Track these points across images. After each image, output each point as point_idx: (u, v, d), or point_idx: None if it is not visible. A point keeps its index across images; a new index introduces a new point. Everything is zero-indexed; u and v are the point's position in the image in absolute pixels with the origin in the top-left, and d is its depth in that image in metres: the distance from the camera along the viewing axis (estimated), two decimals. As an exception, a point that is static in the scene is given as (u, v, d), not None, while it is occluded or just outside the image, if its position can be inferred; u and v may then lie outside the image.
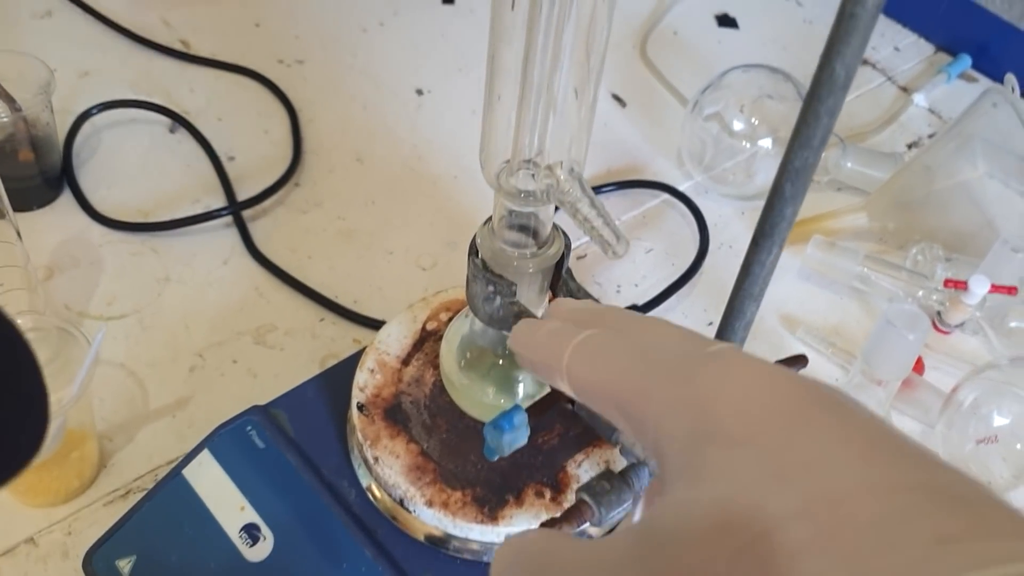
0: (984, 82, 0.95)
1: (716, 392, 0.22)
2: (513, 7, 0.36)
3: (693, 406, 0.22)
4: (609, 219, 0.37)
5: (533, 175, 0.40)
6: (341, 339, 0.68)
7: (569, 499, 0.48)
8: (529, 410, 0.41)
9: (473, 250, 0.45)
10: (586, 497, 0.36)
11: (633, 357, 0.25)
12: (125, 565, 0.51)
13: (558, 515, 0.36)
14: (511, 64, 0.38)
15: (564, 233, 0.45)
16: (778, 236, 0.30)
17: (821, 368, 0.71)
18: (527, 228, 0.43)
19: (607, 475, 0.37)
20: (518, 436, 0.39)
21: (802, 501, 0.18)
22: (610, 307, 0.31)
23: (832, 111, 0.27)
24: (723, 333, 0.34)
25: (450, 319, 0.54)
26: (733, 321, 0.33)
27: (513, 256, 0.43)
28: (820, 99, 0.27)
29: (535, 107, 0.38)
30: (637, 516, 0.27)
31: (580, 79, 0.37)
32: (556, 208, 0.45)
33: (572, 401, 0.42)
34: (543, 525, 0.35)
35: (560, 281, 0.46)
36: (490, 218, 0.44)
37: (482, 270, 0.44)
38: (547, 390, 0.44)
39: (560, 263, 0.45)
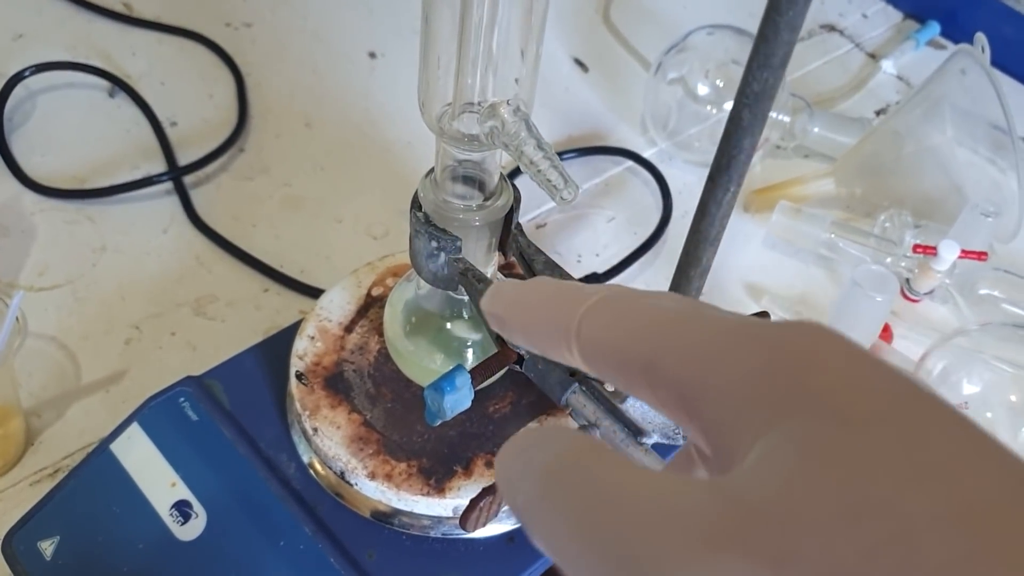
0: (953, 49, 0.93)
1: (814, 362, 0.18)
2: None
3: (785, 374, 0.18)
4: (556, 161, 0.34)
5: (478, 118, 0.37)
6: (286, 310, 0.65)
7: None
8: (473, 372, 0.38)
9: (415, 204, 0.42)
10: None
11: (679, 314, 0.21)
12: (48, 547, 0.48)
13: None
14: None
15: (514, 185, 0.42)
16: (735, 171, 0.28)
17: (787, 338, 0.68)
18: (472, 179, 0.40)
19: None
20: (460, 399, 0.37)
21: (947, 507, 0.16)
22: (618, 288, 0.24)
23: (792, 25, 0.25)
24: (678, 282, 0.31)
25: (398, 284, 0.51)
26: (688, 268, 0.31)
27: (458, 208, 0.40)
28: (780, 11, 0.24)
29: (475, 46, 0.35)
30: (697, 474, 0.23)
31: (523, 11, 0.34)
32: (515, 175, 0.42)
33: (520, 361, 0.39)
34: (484, 491, 0.32)
35: (509, 238, 0.43)
36: (432, 169, 0.41)
37: (424, 224, 0.41)
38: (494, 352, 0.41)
39: (509, 217, 0.42)
